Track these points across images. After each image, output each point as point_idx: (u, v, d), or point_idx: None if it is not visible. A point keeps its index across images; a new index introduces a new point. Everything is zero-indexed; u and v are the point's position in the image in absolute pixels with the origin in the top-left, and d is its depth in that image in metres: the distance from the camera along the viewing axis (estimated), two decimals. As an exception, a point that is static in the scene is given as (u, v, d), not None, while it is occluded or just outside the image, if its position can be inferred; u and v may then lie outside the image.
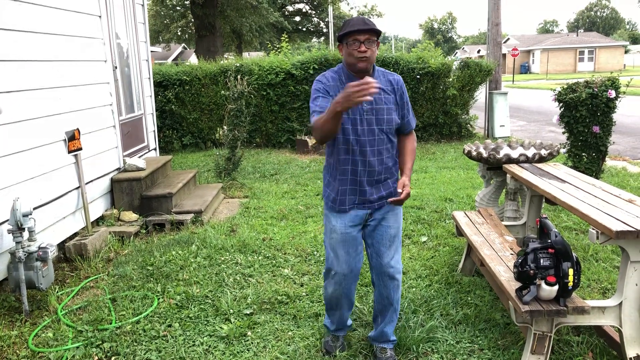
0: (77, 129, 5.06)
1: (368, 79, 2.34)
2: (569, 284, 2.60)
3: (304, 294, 3.93)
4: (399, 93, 2.83)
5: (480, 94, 11.82)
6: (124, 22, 6.85)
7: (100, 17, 5.84)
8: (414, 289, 3.93)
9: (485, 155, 4.62)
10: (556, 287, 2.61)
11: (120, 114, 6.41)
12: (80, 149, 5.08)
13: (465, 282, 4.01)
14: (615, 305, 2.79)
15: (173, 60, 40.34)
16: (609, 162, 8.29)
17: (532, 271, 2.62)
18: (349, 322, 3.29)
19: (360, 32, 2.63)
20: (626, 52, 57.15)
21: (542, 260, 2.63)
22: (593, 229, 2.79)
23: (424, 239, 5.06)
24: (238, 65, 10.90)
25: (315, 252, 4.74)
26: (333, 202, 2.89)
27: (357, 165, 2.78)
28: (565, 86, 6.22)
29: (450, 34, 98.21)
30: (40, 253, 3.79)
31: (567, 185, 3.63)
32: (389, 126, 2.79)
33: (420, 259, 4.56)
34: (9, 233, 3.72)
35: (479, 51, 53.82)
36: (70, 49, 5.14)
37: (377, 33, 2.67)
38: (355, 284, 3.05)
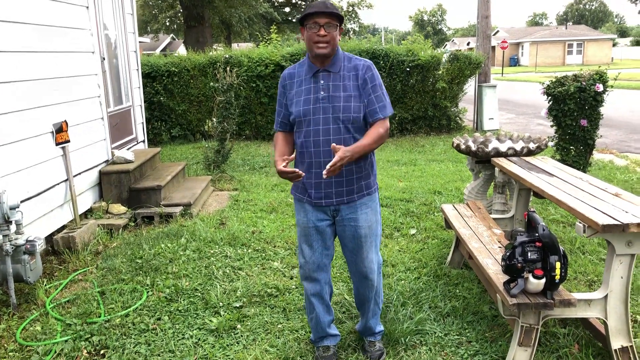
0: (65, 121, 5.01)
1: (299, 172, 2.48)
2: (556, 277, 2.62)
3: (293, 286, 3.94)
4: (362, 80, 2.64)
5: (470, 86, 11.85)
6: (112, 13, 6.78)
7: (87, 7, 5.77)
8: (402, 282, 3.95)
9: (474, 148, 4.63)
10: (543, 280, 2.63)
11: (108, 105, 6.36)
12: (68, 141, 5.04)
13: (453, 275, 4.04)
14: (601, 297, 2.82)
15: (161, 50, 40.01)
16: (596, 155, 8.35)
17: (519, 264, 2.64)
18: (334, 330, 3.06)
19: (320, 14, 2.54)
20: (614, 45, 57.55)
21: (529, 254, 2.65)
22: (580, 223, 2.82)
23: (412, 231, 5.08)
24: (227, 56, 10.80)
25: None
26: (295, 190, 2.82)
27: (311, 157, 2.65)
28: (553, 79, 6.25)
29: (440, 26, 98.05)
30: (28, 246, 3.76)
31: (555, 178, 3.66)
32: (346, 115, 2.61)
33: (409, 251, 4.59)
34: (-4, 226, 3.69)
35: (468, 43, 53.93)
36: (57, 39, 5.07)
37: (339, 18, 2.60)
38: (325, 282, 2.91)
